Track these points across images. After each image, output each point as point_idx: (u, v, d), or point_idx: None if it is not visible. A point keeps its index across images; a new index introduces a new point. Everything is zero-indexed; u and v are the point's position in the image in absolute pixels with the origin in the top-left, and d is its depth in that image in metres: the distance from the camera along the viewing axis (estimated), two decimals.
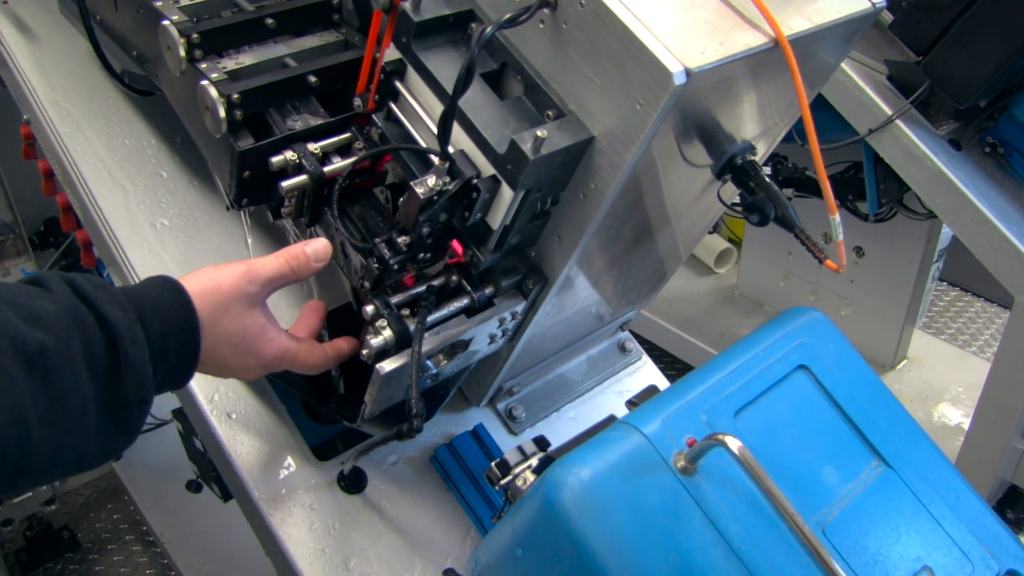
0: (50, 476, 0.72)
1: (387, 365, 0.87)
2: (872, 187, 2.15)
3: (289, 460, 1.12)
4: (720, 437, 0.73)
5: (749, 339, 0.90)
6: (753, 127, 0.95)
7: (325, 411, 1.10)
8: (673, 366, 2.85)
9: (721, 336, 2.85)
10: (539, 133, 0.76)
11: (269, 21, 1.02)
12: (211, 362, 0.86)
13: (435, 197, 0.82)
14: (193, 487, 1.89)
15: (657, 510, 0.74)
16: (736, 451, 0.72)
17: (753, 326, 3.04)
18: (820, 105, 1.89)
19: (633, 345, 1.34)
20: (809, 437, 0.84)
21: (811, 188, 2.21)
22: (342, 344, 0.98)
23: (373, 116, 0.94)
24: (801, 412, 0.86)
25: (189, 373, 0.83)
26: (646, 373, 1.34)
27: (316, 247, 0.90)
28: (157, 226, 1.28)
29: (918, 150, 1.87)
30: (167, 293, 0.80)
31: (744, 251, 2.97)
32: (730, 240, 3.19)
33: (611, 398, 1.29)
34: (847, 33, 0.92)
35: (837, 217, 0.91)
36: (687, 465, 0.76)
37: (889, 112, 1.89)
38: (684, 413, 0.80)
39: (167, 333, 0.78)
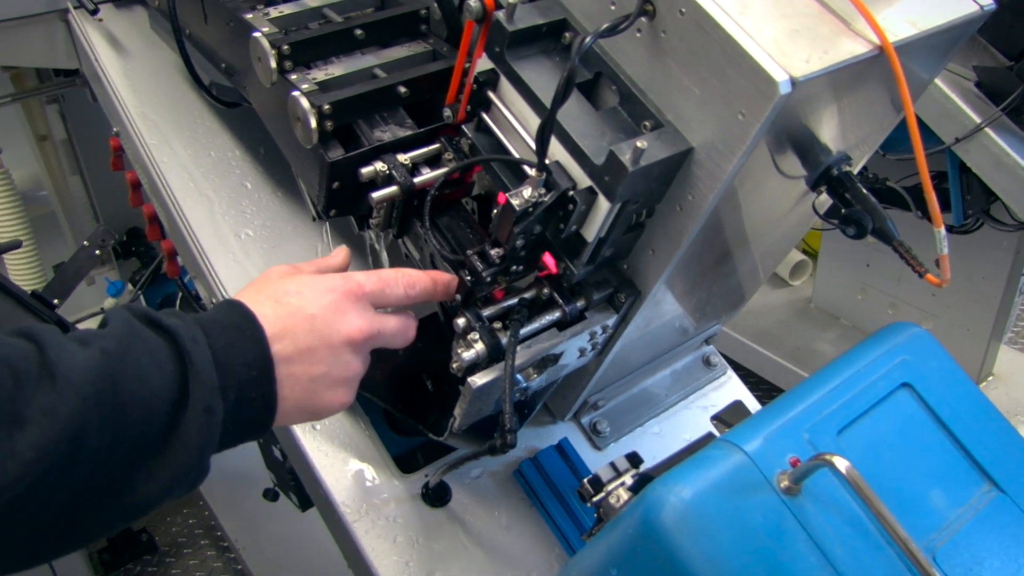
0: (108, 497, 0.66)
1: (479, 379, 0.86)
2: (957, 197, 2.09)
3: (372, 472, 1.11)
4: (827, 457, 0.70)
5: (849, 356, 0.87)
6: (849, 137, 0.92)
7: (409, 423, 1.09)
8: (747, 379, 2.80)
9: (796, 350, 2.79)
10: (638, 144, 0.74)
11: (358, 32, 1.02)
12: (295, 371, 0.77)
13: (531, 209, 0.81)
14: (270, 495, 1.91)
15: (760, 532, 0.72)
16: (844, 471, 0.69)
17: (829, 340, 2.97)
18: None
19: (718, 359, 1.31)
20: (915, 458, 0.81)
21: (892, 199, 2.15)
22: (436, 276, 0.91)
23: (463, 127, 0.93)
24: (906, 432, 0.82)
25: (267, 390, 0.75)
26: (731, 388, 1.31)
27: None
28: (241, 236, 1.29)
29: (1009, 159, 1.81)
30: (224, 307, 0.77)
31: (820, 263, 2.91)
32: (805, 252, 3.13)
33: (696, 413, 1.27)
34: (951, 39, 0.89)
35: (943, 230, 0.88)
36: (791, 485, 0.73)
37: (977, 120, 1.83)
38: (786, 431, 0.78)
39: (231, 343, 0.73)
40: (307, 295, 0.79)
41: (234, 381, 0.72)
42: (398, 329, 0.86)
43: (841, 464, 0.68)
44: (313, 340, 0.78)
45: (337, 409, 0.83)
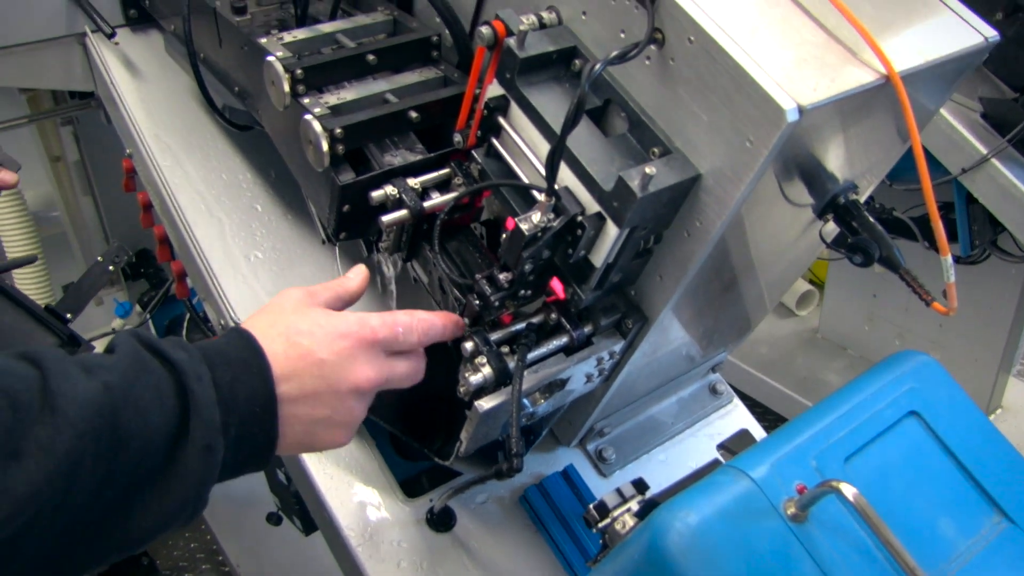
0: (103, 531, 0.66)
1: (486, 403, 0.86)
2: (964, 228, 2.09)
3: (378, 496, 1.11)
4: (834, 484, 0.70)
5: (856, 383, 0.87)
6: (856, 166, 0.93)
7: (415, 447, 1.09)
8: (753, 409, 2.79)
9: (803, 380, 2.79)
10: (647, 170, 0.75)
11: (370, 57, 1.03)
12: (298, 412, 0.77)
13: (539, 233, 0.81)
14: (273, 519, 1.90)
15: (767, 559, 0.72)
16: (851, 498, 0.69)
17: (836, 370, 2.96)
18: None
19: (724, 387, 1.31)
20: (923, 487, 0.81)
21: (899, 229, 2.15)
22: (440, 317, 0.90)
23: (473, 152, 0.94)
24: (914, 460, 0.82)
25: (269, 427, 0.75)
26: (737, 417, 1.31)
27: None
28: (251, 259, 1.30)
29: (1015, 189, 1.81)
30: (233, 338, 0.76)
31: (827, 293, 2.91)
32: (811, 282, 3.12)
33: (702, 441, 1.26)
34: (956, 70, 0.90)
35: (949, 258, 0.88)
36: (798, 512, 0.73)
37: (984, 151, 1.84)
38: (793, 458, 0.77)
39: (236, 378, 0.72)
40: (319, 338, 0.79)
41: (236, 417, 0.71)
42: (407, 374, 0.86)
43: (849, 491, 0.68)
44: (320, 385, 0.78)
45: (333, 447, 0.83)
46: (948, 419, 0.84)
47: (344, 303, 0.88)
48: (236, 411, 0.71)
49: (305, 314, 0.81)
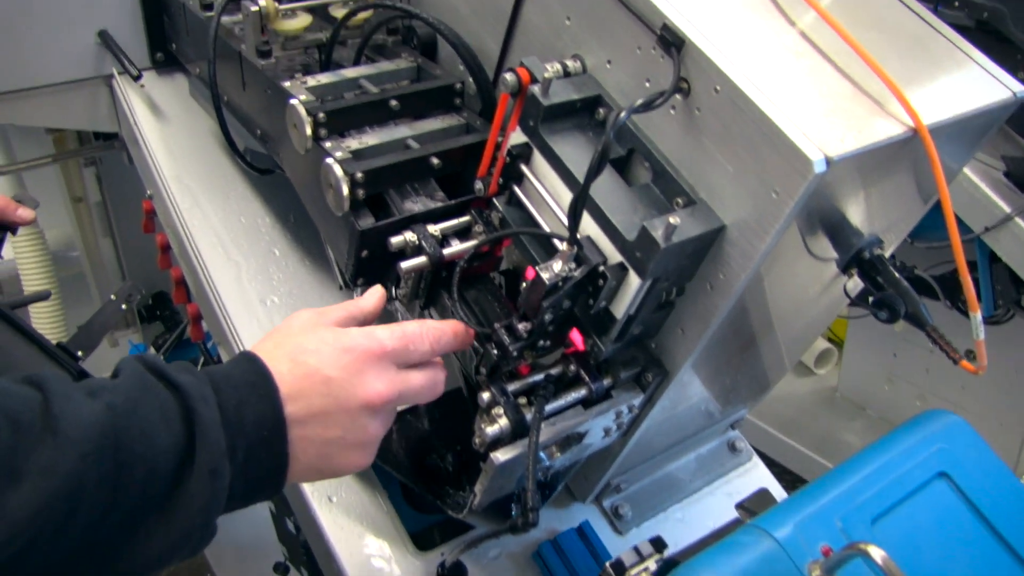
0: (105, 558, 0.64)
1: (502, 455, 0.85)
2: (987, 287, 2.07)
3: (388, 548, 1.09)
4: (862, 546, 0.67)
5: (882, 443, 0.85)
6: (881, 220, 0.91)
7: (428, 499, 1.07)
8: (771, 469, 2.75)
9: (821, 440, 2.75)
10: (671, 220, 0.74)
11: (393, 103, 1.03)
12: (308, 434, 0.74)
13: (560, 283, 0.80)
14: (281, 569, 1.87)
15: None
16: (880, 562, 0.66)
17: (855, 431, 2.92)
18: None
19: (744, 445, 1.29)
20: (954, 551, 0.78)
21: (920, 288, 2.13)
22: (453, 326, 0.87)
23: (494, 200, 0.93)
24: (943, 524, 0.79)
25: (279, 451, 0.72)
26: (757, 475, 1.28)
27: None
28: (267, 303, 1.29)
29: None
30: (240, 362, 0.74)
31: (846, 352, 2.88)
32: (830, 340, 3.09)
33: (720, 500, 1.24)
34: (983, 125, 0.89)
35: (979, 315, 0.87)
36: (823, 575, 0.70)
37: (1007, 209, 1.83)
38: (817, 518, 0.75)
39: (243, 401, 0.70)
40: (325, 355, 0.76)
41: (244, 441, 0.69)
42: (423, 386, 0.82)
43: (877, 554, 0.66)
44: (328, 403, 0.75)
45: (353, 471, 0.80)
46: (979, 481, 0.82)
47: (357, 323, 0.84)
48: (243, 434, 0.69)
49: (312, 333, 0.78)
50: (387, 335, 0.79)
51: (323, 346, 0.77)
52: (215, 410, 0.68)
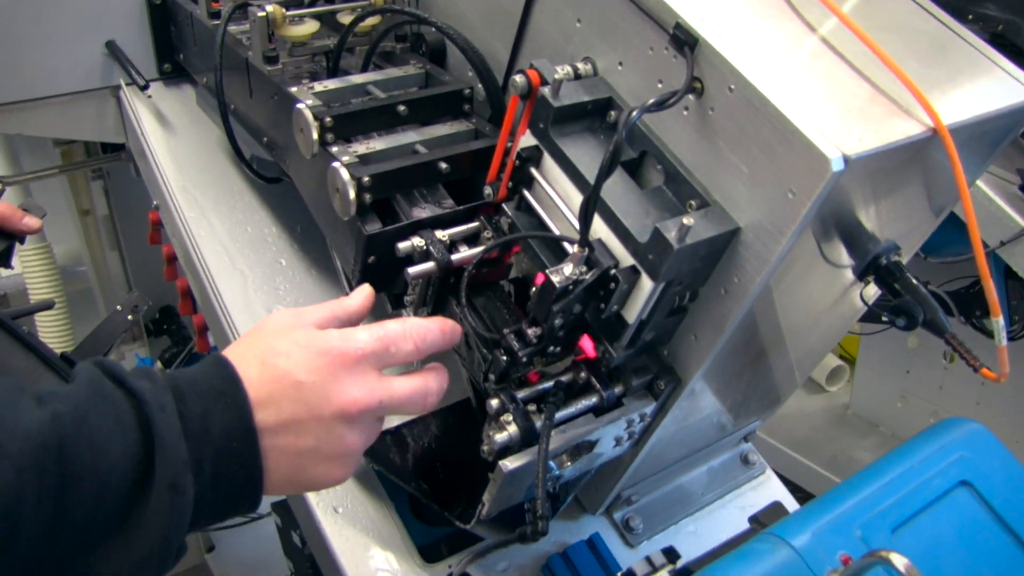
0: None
1: (510, 463, 0.83)
2: (1003, 303, 2.04)
3: (395, 561, 1.07)
4: (883, 554, 0.65)
5: (901, 450, 0.83)
6: (898, 226, 0.90)
7: (435, 510, 1.05)
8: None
9: (833, 457, 2.71)
10: (684, 221, 0.72)
11: (401, 108, 1.02)
12: (279, 443, 0.69)
13: (571, 287, 0.78)
14: None
15: None
16: (903, 570, 0.64)
17: (868, 448, 2.88)
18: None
19: (756, 458, 1.27)
20: (977, 561, 0.76)
21: None
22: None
23: (503, 205, 0.92)
24: (966, 533, 0.77)
25: (250, 463, 0.67)
26: (770, 488, 1.26)
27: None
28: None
29: None
30: (209, 365, 0.69)
31: (858, 369, 2.85)
32: (842, 357, 3.06)
33: (733, 513, 1.21)
34: (1002, 129, 0.87)
35: (1001, 320, 0.85)
36: None
37: (1023, 223, 1.80)
38: (836, 526, 0.73)
39: (208, 409, 0.65)
40: (297, 358, 0.70)
41: (211, 452, 0.64)
42: (410, 396, 0.76)
43: (900, 562, 0.64)
44: (300, 410, 0.69)
45: (330, 485, 0.75)
46: (1002, 490, 0.80)
47: (341, 324, 0.79)
48: (210, 445, 0.64)
49: (286, 334, 0.73)
50: (366, 336, 0.74)
51: (295, 348, 0.71)
52: (175, 418, 0.63)
